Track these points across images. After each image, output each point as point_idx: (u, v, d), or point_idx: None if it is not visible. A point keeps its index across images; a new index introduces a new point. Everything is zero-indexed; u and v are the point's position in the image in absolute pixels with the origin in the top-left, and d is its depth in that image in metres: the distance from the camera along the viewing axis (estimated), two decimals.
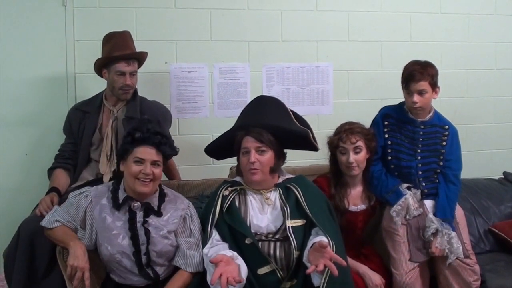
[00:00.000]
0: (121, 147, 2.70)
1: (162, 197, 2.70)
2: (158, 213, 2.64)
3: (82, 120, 3.24)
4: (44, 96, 3.60)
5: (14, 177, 3.59)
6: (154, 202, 2.66)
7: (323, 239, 2.44)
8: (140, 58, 3.27)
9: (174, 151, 2.72)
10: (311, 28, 4.01)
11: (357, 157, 2.95)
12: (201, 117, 3.88)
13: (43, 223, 2.65)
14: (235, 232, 2.60)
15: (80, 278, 2.43)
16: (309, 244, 2.50)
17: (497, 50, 4.40)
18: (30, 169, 3.58)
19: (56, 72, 3.61)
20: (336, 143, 2.98)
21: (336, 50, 4.07)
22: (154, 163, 2.58)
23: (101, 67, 3.21)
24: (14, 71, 3.55)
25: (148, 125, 2.62)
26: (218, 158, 3.08)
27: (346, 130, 2.97)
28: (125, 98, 3.22)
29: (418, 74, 2.99)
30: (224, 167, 3.34)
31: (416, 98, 3.00)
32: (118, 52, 3.15)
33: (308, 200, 2.66)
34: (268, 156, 2.68)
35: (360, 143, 2.96)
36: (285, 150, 2.82)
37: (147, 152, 2.57)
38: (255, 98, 3.03)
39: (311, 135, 2.87)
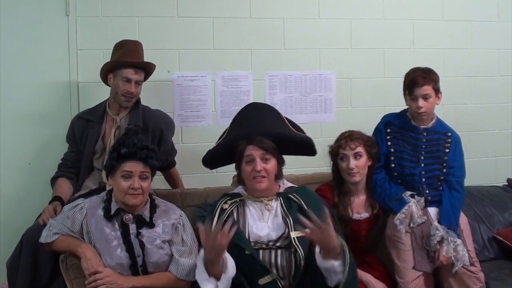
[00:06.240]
0: (107, 162, 2.66)
1: (153, 208, 2.69)
2: (150, 225, 2.63)
3: (85, 128, 3.24)
4: (47, 105, 3.61)
5: (17, 186, 3.60)
6: (146, 214, 2.65)
7: None
8: (147, 69, 3.27)
9: (165, 163, 2.67)
10: (314, 36, 4.02)
11: (357, 163, 2.95)
12: (204, 126, 3.88)
13: (42, 239, 2.64)
14: (234, 244, 2.53)
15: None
16: (317, 249, 2.44)
17: (500, 57, 4.40)
18: (33, 178, 3.58)
19: (59, 81, 3.61)
20: (336, 150, 3.00)
21: (338, 58, 4.07)
22: (141, 177, 2.57)
23: (107, 71, 3.21)
24: (18, 80, 3.56)
25: (134, 139, 2.59)
26: (212, 168, 3.05)
27: (346, 137, 3.00)
28: (127, 106, 3.22)
29: (422, 79, 3.01)
30: (227, 176, 3.32)
31: (421, 103, 3.00)
32: (128, 58, 3.16)
33: (311, 210, 2.62)
34: (273, 163, 2.67)
35: (360, 149, 2.97)
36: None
37: (134, 167, 2.55)
38: (248, 106, 3.02)
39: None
